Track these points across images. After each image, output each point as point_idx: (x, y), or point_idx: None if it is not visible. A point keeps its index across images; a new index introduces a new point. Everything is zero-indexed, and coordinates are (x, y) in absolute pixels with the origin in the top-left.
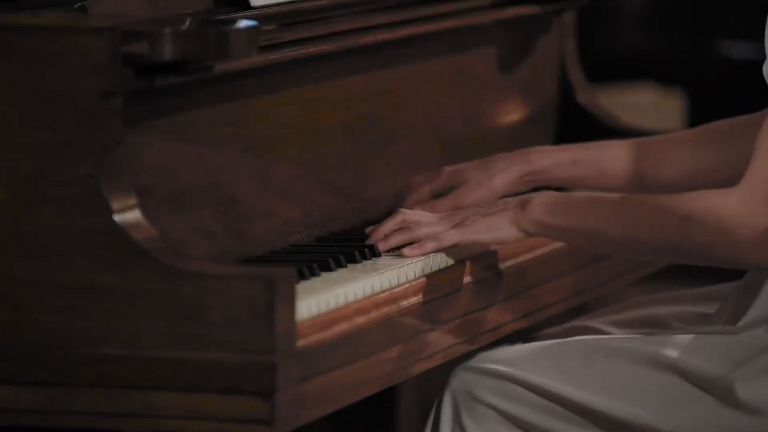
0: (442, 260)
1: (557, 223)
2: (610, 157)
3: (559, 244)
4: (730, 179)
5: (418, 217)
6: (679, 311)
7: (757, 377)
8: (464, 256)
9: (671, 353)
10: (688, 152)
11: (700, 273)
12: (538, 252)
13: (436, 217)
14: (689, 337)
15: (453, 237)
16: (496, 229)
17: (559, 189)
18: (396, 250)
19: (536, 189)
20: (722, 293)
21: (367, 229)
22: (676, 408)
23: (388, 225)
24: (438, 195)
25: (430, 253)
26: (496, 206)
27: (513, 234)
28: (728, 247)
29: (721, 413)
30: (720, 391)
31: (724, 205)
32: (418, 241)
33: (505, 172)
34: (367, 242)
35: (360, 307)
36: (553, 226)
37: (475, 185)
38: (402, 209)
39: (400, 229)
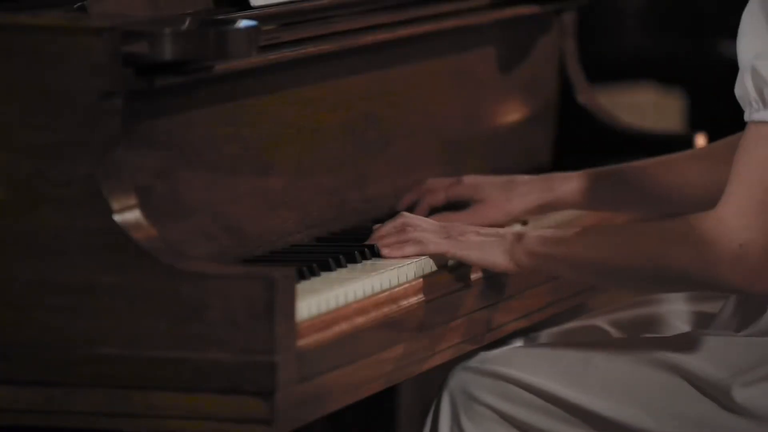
0: (442, 260)
1: (547, 251)
2: (629, 180)
3: None
4: None
5: (417, 221)
6: (679, 311)
7: (757, 383)
8: None
9: (671, 355)
10: (705, 167)
11: None
12: None
13: (436, 225)
14: (690, 338)
15: (440, 246)
16: (487, 252)
17: None
18: None
19: None
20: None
21: (375, 227)
22: (674, 410)
23: (388, 227)
24: (449, 203)
25: (410, 255)
26: (496, 231)
27: (502, 262)
28: (704, 265)
29: (720, 416)
30: (719, 394)
31: (702, 225)
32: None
33: (525, 197)
34: (366, 242)
35: (360, 307)
36: (543, 255)
37: (492, 205)
38: (404, 212)
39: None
